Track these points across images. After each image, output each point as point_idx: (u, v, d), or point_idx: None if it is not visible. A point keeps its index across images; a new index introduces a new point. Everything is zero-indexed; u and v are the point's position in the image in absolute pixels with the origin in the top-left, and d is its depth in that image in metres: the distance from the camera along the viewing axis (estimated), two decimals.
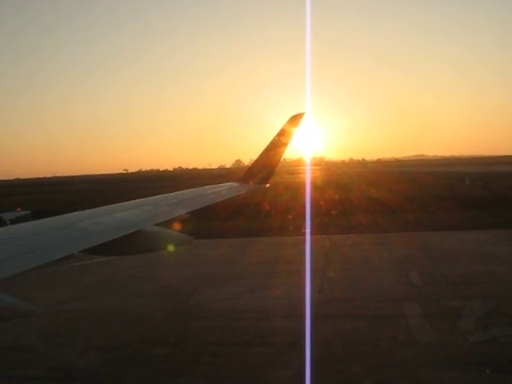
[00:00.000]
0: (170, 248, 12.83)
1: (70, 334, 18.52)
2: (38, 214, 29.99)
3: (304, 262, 26.52)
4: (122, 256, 17.31)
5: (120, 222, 11.30)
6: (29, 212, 39.35)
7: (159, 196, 15.43)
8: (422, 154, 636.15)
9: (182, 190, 17.23)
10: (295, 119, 18.27)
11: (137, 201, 14.13)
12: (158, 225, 11.71)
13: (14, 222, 33.73)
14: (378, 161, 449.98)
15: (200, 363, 15.08)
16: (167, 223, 12.16)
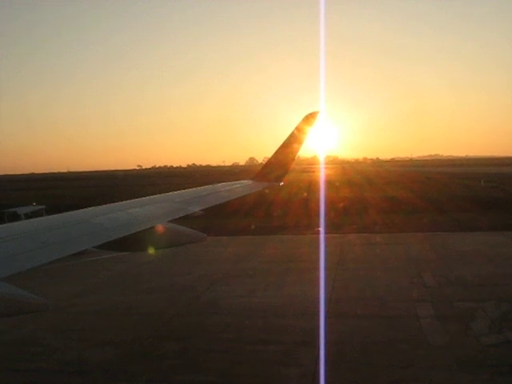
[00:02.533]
0: (183, 245, 12.86)
1: (82, 328, 18.63)
2: (52, 209, 30.18)
3: (317, 261, 26.56)
4: (135, 252, 17.34)
5: (134, 218, 11.32)
6: (43, 207, 39.44)
7: (173, 193, 15.45)
8: (436, 153, 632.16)
9: (196, 187, 17.26)
10: (310, 118, 18.30)
11: (151, 197, 14.15)
12: (171, 221, 11.72)
13: (28, 216, 33.90)
14: (392, 160, 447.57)
15: (212, 360, 15.10)
16: (181, 220, 12.17)
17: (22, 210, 36.33)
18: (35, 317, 18.26)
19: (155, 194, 14.60)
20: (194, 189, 16.74)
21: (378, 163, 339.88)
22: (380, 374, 13.79)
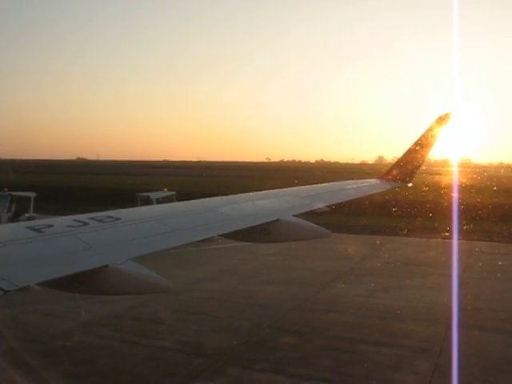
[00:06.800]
0: (307, 240, 12.88)
1: (202, 312, 19.24)
2: (182, 196, 31.24)
3: (441, 266, 25.75)
4: (258, 243, 17.62)
5: (260, 210, 11.51)
6: (174, 193, 40.63)
7: (300, 187, 15.55)
8: None
9: (323, 182, 17.24)
10: (442, 119, 17.94)
11: (277, 190, 14.31)
12: (296, 216, 11.77)
13: (159, 201, 35.16)
14: None
15: (325, 357, 15.03)
16: (306, 215, 12.19)
17: (154, 195, 37.61)
18: (158, 297, 19.10)
19: (281, 188, 14.74)
20: (321, 185, 16.73)
21: None
22: None
